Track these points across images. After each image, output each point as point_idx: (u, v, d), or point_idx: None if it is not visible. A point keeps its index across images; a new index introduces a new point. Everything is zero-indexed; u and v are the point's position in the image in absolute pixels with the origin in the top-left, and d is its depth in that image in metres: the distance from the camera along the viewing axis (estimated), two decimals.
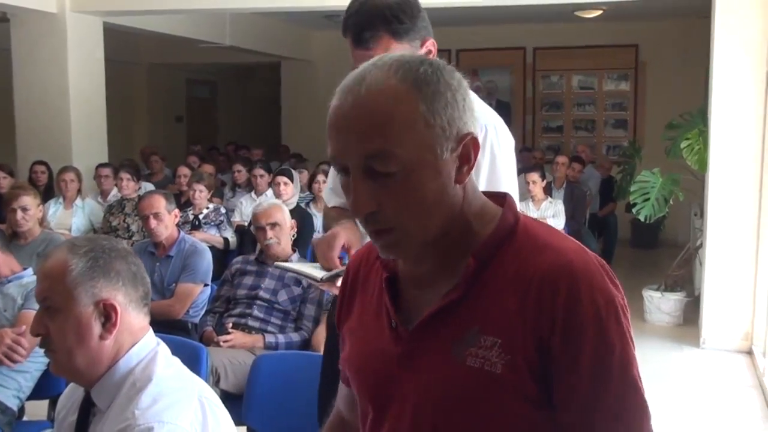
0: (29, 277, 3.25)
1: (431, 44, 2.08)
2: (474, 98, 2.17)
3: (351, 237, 2.02)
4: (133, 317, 1.65)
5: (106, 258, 1.63)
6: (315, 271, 2.01)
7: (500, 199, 1.21)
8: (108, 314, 1.61)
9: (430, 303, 1.15)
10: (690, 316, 6.42)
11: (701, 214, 6.68)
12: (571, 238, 1.18)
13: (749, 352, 5.65)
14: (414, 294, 1.20)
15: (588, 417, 1.09)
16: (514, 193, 2.18)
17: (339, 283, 1.87)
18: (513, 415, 1.10)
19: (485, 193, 1.22)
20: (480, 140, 2.09)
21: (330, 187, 2.38)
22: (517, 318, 1.09)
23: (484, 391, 1.10)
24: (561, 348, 1.07)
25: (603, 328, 1.08)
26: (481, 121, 2.09)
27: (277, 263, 2.37)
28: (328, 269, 1.98)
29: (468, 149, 1.12)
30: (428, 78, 1.09)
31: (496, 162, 2.14)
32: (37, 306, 2.98)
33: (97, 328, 1.61)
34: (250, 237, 5.82)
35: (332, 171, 2.40)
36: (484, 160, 2.11)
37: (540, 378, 1.09)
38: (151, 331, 1.70)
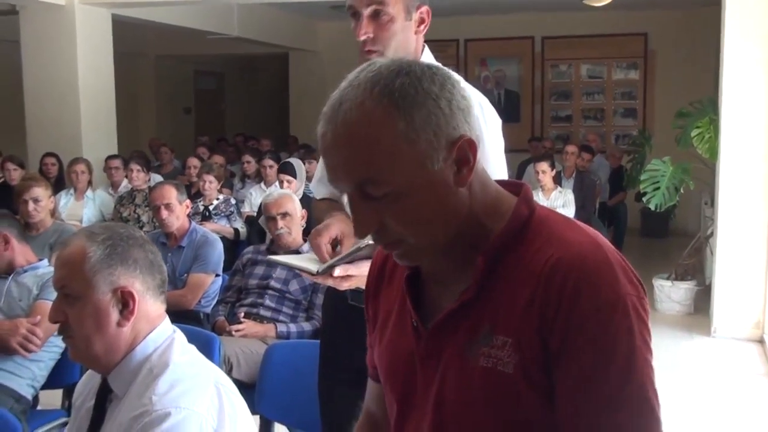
0: (44, 267, 3.27)
1: (426, 12, 2.07)
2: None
3: (344, 228, 2.01)
4: (150, 305, 1.67)
5: (123, 246, 1.64)
6: (311, 264, 1.97)
7: (516, 188, 1.17)
8: (126, 301, 1.63)
9: (448, 301, 1.14)
10: (701, 305, 6.41)
11: (712, 202, 6.66)
12: (591, 231, 1.13)
13: (760, 341, 5.64)
14: (435, 292, 1.18)
15: (581, 415, 1.04)
16: (502, 172, 2.16)
17: (336, 273, 1.85)
18: (530, 414, 1.08)
19: (501, 182, 1.19)
20: None
21: (317, 177, 2.36)
22: (526, 315, 1.06)
23: (499, 391, 1.08)
24: (560, 347, 1.04)
25: (604, 328, 1.03)
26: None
27: (270, 257, 2.35)
28: (323, 261, 1.96)
29: (464, 151, 1.07)
30: (405, 91, 1.03)
31: (483, 140, 2.14)
32: (51, 296, 3.01)
33: (114, 315, 1.62)
34: (256, 228, 5.83)
35: (320, 162, 2.37)
36: None
37: (548, 375, 1.06)
38: (167, 318, 1.72)
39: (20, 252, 3.25)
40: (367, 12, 1.99)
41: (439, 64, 1.13)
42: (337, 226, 2.00)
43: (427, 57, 2.13)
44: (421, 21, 2.07)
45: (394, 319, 1.24)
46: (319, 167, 2.35)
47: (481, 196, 1.12)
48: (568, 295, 1.03)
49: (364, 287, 2.12)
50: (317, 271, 1.89)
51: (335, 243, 1.97)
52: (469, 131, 1.08)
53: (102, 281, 1.61)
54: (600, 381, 1.03)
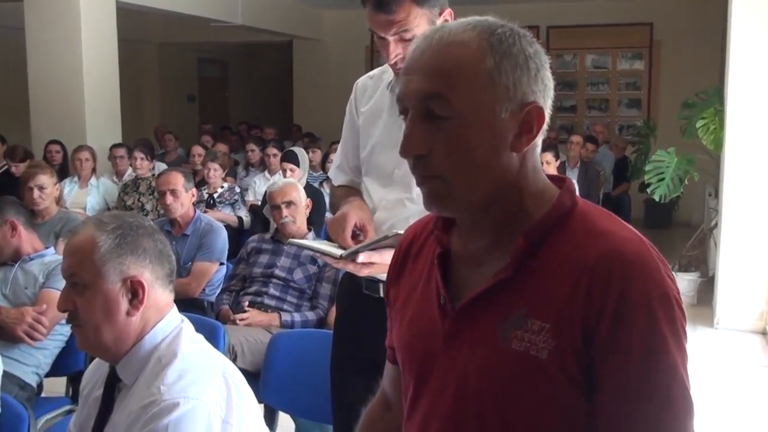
0: (51, 255, 3.27)
1: (449, 14, 2.07)
2: None
3: (362, 215, 2.01)
4: (159, 294, 1.67)
5: (133, 235, 1.64)
6: (332, 248, 1.98)
7: (560, 182, 1.20)
8: (135, 291, 1.63)
9: (479, 282, 1.14)
10: (704, 296, 6.41)
11: (716, 194, 6.65)
12: (630, 227, 1.14)
13: (763, 333, 5.64)
14: (465, 272, 1.19)
15: (632, 410, 1.06)
16: None
17: (359, 259, 1.87)
18: (558, 402, 1.08)
19: (548, 176, 1.21)
20: None
21: (336, 165, 2.34)
22: (567, 304, 1.07)
23: (529, 376, 1.08)
24: (608, 336, 1.05)
25: (654, 321, 1.05)
26: None
27: (291, 240, 2.35)
28: (344, 248, 1.96)
29: (531, 117, 1.11)
30: (503, 38, 1.10)
31: None
32: (57, 285, 3.03)
33: (124, 304, 1.63)
34: (260, 217, 5.83)
35: (340, 148, 2.37)
36: None
37: (586, 367, 1.07)
38: (175, 307, 1.72)
39: (27, 239, 3.26)
40: (393, 38, 1.98)
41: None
42: (354, 213, 2.00)
43: None
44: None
45: (418, 297, 1.25)
46: (338, 154, 2.35)
47: (531, 175, 1.15)
48: (617, 288, 1.05)
49: (382, 277, 2.15)
50: (341, 256, 1.89)
51: (355, 232, 1.98)
52: (543, 103, 1.12)
53: (112, 270, 1.61)
54: (648, 373, 1.05)
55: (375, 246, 1.83)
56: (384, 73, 2.21)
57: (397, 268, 1.34)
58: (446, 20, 2.05)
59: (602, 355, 1.06)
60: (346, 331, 2.35)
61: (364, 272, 1.92)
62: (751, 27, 5.59)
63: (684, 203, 9.03)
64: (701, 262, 6.94)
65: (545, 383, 1.08)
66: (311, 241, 2.52)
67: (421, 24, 1.98)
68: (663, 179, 6.43)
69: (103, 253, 1.61)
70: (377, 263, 1.86)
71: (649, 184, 6.55)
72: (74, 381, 3.25)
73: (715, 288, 5.94)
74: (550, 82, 1.14)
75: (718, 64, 8.30)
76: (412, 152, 1.11)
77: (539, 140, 1.15)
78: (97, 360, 1.80)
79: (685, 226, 9.09)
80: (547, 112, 1.14)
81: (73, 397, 3.21)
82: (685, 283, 6.46)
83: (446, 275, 1.20)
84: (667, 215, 9.77)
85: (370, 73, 2.29)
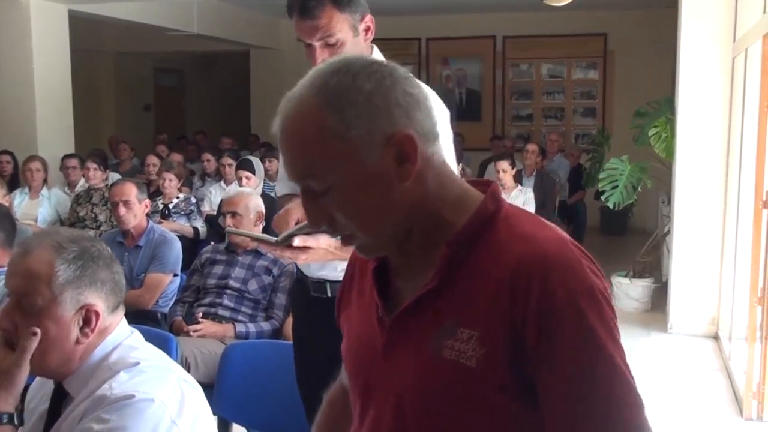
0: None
1: (369, 20, 2.19)
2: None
3: (303, 213, 2.06)
4: (107, 322, 1.63)
5: (94, 267, 1.59)
6: (270, 237, 2.04)
7: (484, 186, 1.19)
8: (88, 319, 1.59)
9: (411, 293, 1.14)
10: (658, 301, 6.51)
11: (669, 201, 6.76)
12: (554, 226, 1.15)
13: (715, 337, 5.74)
14: (401, 284, 1.19)
15: (577, 414, 1.05)
16: (451, 161, 2.24)
17: (294, 242, 1.91)
18: (492, 410, 1.08)
19: (471, 181, 1.20)
20: None
21: (279, 177, 2.46)
22: (493, 310, 1.07)
23: (460, 384, 1.08)
24: (537, 341, 1.04)
25: (582, 317, 1.05)
26: None
27: (228, 228, 2.39)
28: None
29: (402, 147, 1.08)
30: (339, 89, 1.07)
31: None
32: None
33: (75, 332, 1.58)
34: (216, 228, 5.78)
35: (281, 161, 2.43)
36: None
37: (516, 370, 1.06)
38: (124, 319, 1.69)
39: None
40: (318, 44, 2.11)
41: (385, 62, 1.14)
42: (297, 209, 2.06)
43: (377, 56, 2.23)
44: (367, 29, 2.19)
45: (362, 310, 1.25)
46: (281, 166, 2.40)
47: (438, 190, 1.13)
48: (538, 290, 1.05)
49: (327, 276, 2.16)
50: (276, 241, 1.94)
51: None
52: (410, 126, 1.09)
53: (68, 299, 1.56)
54: (584, 373, 1.04)
55: (309, 230, 1.87)
56: None
57: (346, 284, 1.34)
58: (368, 26, 2.18)
59: (536, 361, 1.05)
60: (304, 340, 2.37)
61: (302, 258, 1.97)
62: (700, 39, 5.71)
63: (638, 210, 9.17)
64: (655, 268, 7.04)
65: (477, 391, 1.08)
66: (249, 231, 2.56)
67: (343, 29, 2.10)
68: (617, 187, 6.52)
69: (61, 282, 1.55)
70: (313, 247, 1.92)
71: (603, 192, 6.63)
72: (22, 396, 3.17)
73: (669, 294, 6.03)
74: (411, 97, 1.10)
75: (669, 74, 8.44)
76: (318, 226, 1.14)
77: (433, 151, 1.12)
78: None
79: (640, 233, 9.22)
80: (420, 123, 1.10)
81: (21, 412, 3.13)
82: (639, 289, 6.55)
83: (386, 287, 1.20)
84: (623, 222, 9.90)
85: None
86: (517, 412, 1.08)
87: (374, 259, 1.21)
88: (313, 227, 1.15)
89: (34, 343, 1.52)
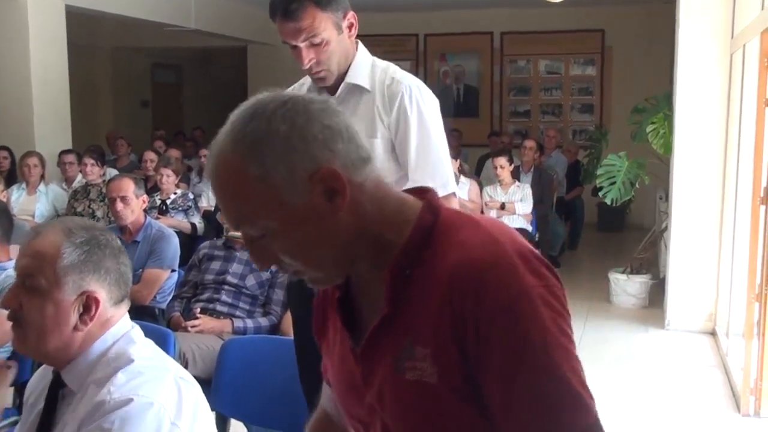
0: (11, 270, 3.16)
1: (352, 16, 2.23)
2: (388, 65, 2.26)
3: None
4: (110, 312, 1.64)
5: (100, 254, 1.61)
6: None
7: (423, 194, 1.17)
8: (88, 306, 1.60)
9: (376, 317, 1.14)
10: (655, 298, 6.52)
11: (666, 197, 6.76)
12: (495, 229, 1.11)
13: (713, 333, 5.75)
14: (365, 309, 1.19)
15: (515, 418, 1.04)
16: (443, 148, 2.33)
17: None
18: (463, 422, 1.08)
19: (409, 190, 1.19)
20: (407, 98, 2.22)
21: None
22: (439, 325, 1.06)
23: (429, 403, 1.08)
24: (476, 350, 1.04)
25: (515, 324, 1.02)
26: (405, 82, 2.29)
27: (230, 233, 2.39)
28: None
29: (327, 182, 1.06)
30: (255, 135, 1.06)
31: (424, 117, 2.29)
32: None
33: (74, 317, 1.59)
34: (214, 223, 5.78)
35: None
36: (412, 116, 2.27)
37: (471, 381, 1.05)
38: (126, 314, 1.69)
39: None
40: (303, 45, 2.15)
41: (299, 96, 1.12)
42: None
43: (362, 52, 2.31)
44: (351, 26, 2.23)
45: (339, 341, 1.24)
46: None
47: (376, 213, 1.11)
48: (472, 299, 1.03)
49: None
50: None
51: None
52: (333, 160, 1.07)
53: (71, 283, 1.57)
54: (519, 376, 1.02)
55: None
56: (302, 85, 2.38)
57: (319, 312, 1.33)
58: (351, 23, 2.22)
59: (478, 371, 1.05)
60: (304, 336, 2.37)
61: None
62: (698, 35, 5.71)
63: (636, 207, 9.17)
64: (652, 264, 7.05)
65: (444, 407, 1.08)
66: None
67: (327, 28, 2.14)
68: (614, 183, 6.52)
69: (65, 264, 1.57)
70: None
71: (600, 188, 6.63)
72: (21, 392, 3.17)
73: (666, 290, 6.04)
74: (329, 129, 1.08)
75: (667, 70, 8.45)
76: (265, 267, 1.15)
77: (365, 176, 1.10)
78: (42, 369, 1.76)
79: (638, 229, 9.23)
80: (344, 153, 1.08)
81: (20, 407, 3.12)
82: (636, 285, 6.56)
83: (352, 316, 1.20)
84: (620, 219, 9.91)
85: (291, 87, 2.45)
86: (488, 423, 1.07)
87: (338, 289, 1.21)
88: (260, 269, 1.17)
89: (9, 377, 1.54)
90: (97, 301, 1.60)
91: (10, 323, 1.61)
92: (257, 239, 1.10)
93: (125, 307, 1.68)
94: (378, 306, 1.13)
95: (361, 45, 2.30)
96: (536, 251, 1.11)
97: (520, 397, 1.03)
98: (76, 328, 1.59)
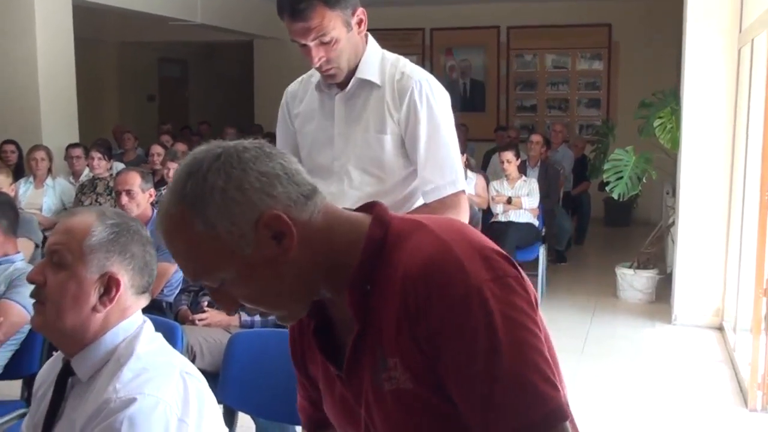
0: (19, 262, 3.18)
1: (361, 12, 2.21)
2: (398, 58, 2.23)
3: None
4: (130, 300, 1.65)
5: (127, 237, 1.64)
6: None
7: (370, 210, 1.19)
8: (109, 288, 1.62)
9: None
10: (662, 293, 6.51)
11: (673, 192, 6.75)
12: (443, 229, 1.12)
13: (720, 328, 5.74)
14: (342, 333, 1.20)
15: (473, 418, 1.05)
16: (454, 144, 2.31)
17: None
18: (446, 421, 1.09)
19: (360, 207, 1.21)
20: (416, 93, 2.23)
21: None
22: (399, 331, 1.08)
23: (413, 409, 1.09)
24: (432, 352, 1.06)
25: (461, 322, 1.03)
26: (415, 77, 2.27)
27: None
28: None
29: (273, 227, 1.08)
30: (194, 193, 1.08)
31: (434, 112, 2.28)
32: (16, 297, 2.96)
33: (94, 298, 1.61)
34: None
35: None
36: (422, 111, 2.25)
37: (440, 383, 1.07)
38: (140, 309, 1.70)
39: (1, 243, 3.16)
40: (313, 43, 2.12)
41: (233, 146, 1.13)
42: None
43: (372, 45, 2.29)
44: (360, 22, 2.21)
45: (323, 370, 1.26)
46: None
47: (329, 243, 1.13)
48: (422, 302, 1.05)
49: None
50: None
51: None
52: (275, 204, 1.09)
53: (95, 261, 1.60)
54: (469, 371, 1.03)
55: None
56: (311, 77, 2.36)
57: (296, 346, 1.34)
58: (360, 19, 2.19)
59: (436, 367, 1.06)
60: None
61: None
62: (705, 29, 5.69)
63: (643, 201, 9.15)
64: (659, 259, 7.03)
65: (429, 409, 1.09)
66: None
67: (336, 26, 2.11)
68: (621, 178, 6.50)
69: (93, 242, 1.60)
70: None
71: (607, 183, 6.62)
72: (29, 384, 3.18)
73: (673, 285, 6.03)
74: (266, 175, 1.09)
75: (674, 65, 8.42)
76: (231, 312, 1.19)
77: (312, 211, 1.12)
78: (51, 360, 1.77)
79: (644, 224, 9.21)
80: (285, 195, 1.10)
81: (28, 400, 3.14)
82: (643, 280, 6.55)
83: (331, 342, 1.22)
84: (627, 213, 9.89)
85: (300, 78, 2.44)
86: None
87: (311, 318, 1.22)
88: (228, 314, 1.21)
89: None
90: (118, 284, 1.62)
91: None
92: (217, 289, 1.13)
93: (144, 301, 1.70)
94: (352, 327, 1.15)
95: (371, 38, 2.28)
96: (490, 244, 1.12)
97: (473, 392, 1.04)
98: (94, 309, 1.61)
